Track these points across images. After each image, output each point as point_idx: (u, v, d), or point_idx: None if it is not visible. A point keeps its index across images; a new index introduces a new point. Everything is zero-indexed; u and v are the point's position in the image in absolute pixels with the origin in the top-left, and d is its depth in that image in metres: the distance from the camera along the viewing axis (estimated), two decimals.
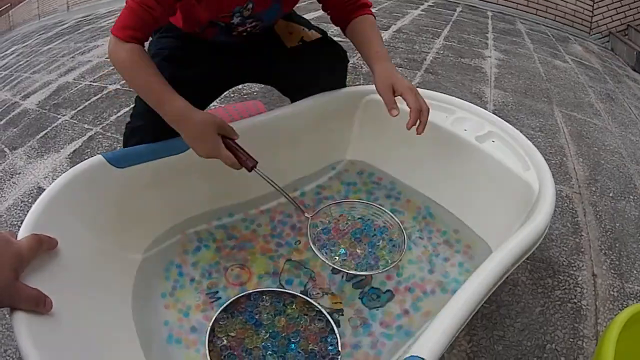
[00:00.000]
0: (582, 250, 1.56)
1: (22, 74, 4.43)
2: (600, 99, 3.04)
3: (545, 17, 6.05)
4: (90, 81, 3.12)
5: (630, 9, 5.90)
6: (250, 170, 1.12)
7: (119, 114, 2.40)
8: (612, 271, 1.50)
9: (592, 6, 5.98)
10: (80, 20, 7.54)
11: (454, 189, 1.36)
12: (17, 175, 2.01)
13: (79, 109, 2.61)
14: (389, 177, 1.53)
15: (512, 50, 3.79)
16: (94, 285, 0.98)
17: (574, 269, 1.47)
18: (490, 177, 1.23)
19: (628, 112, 3.00)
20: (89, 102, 2.68)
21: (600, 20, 5.98)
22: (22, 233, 0.85)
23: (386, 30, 3.81)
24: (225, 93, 1.87)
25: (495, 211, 1.23)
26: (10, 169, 2.10)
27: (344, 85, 1.52)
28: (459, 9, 5.55)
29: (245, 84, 2.46)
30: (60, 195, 0.99)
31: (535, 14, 6.08)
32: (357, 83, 2.63)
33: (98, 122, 2.35)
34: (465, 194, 1.33)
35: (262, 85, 2.32)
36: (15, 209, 1.78)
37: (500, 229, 1.16)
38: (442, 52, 3.31)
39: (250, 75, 1.55)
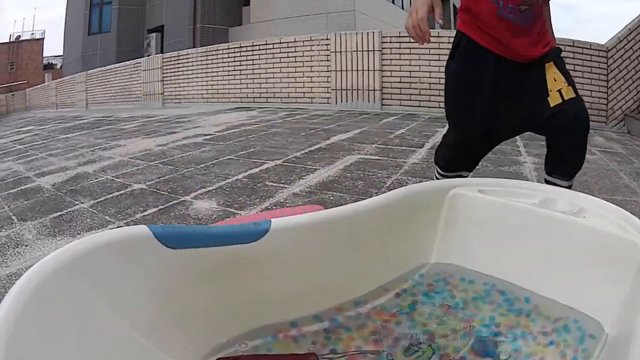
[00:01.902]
0: None
1: (37, 153, 4.31)
2: (632, 178, 3.08)
3: None
4: (113, 176, 2.95)
5: None
6: None
7: (145, 213, 2.18)
8: None
9: (607, 93, 6.07)
10: (101, 119, 7.58)
11: (560, 274, 1.21)
12: (24, 247, 1.82)
13: (99, 199, 2.41)
14: (484, 278, 1.32)
15: (543, 153, 3.71)
16: None
17: None
18: (595, 249, 1.12)
19: None
20: (111, 195, 2.48)
21: (615, 104, 6.06)
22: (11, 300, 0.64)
23: (421, 147, 3.81)
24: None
25: (603, 283, 1.11)
26: (16, 237, 1.92)
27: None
28: None
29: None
30: (86, 260, 0.75)
31: None
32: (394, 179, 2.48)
33: (122, 217, 2.12)
34: (572, 275, 1.19)
35: (318, 195, 2.17)
36: (17, 277, 1.52)
37: (610, 301, 1.05)
38: (480, 163, 3.24)
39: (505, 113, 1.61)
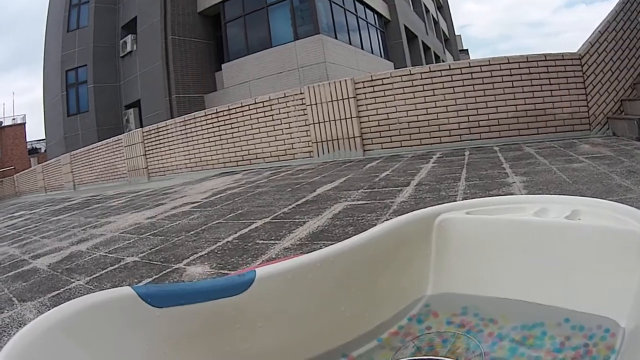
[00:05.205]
0: None
1: (31, 236, 4.37)
2: (625, 177, 3.07)
3: (547, 133, 6.21)
4: (106, 252, 3.00)
5: (619, 83, 6.02)
6: None
7: (140, 284, 2.23)
8: None
9: (587, 100, 6.09)
10: (90, 199, 7.63)
11: (565, 280, 1.17)
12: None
13: (94, 275, 2.45)
14: (487, 300, 1.25)
15: (530, 171, 3.80)
16: None
17: None
18: (596, 248, 1.11)
19: None
20: (106, 270, 2.53)
21: (597, 110, 6.07)
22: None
23: (407, 186, 3.88)
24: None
25: (611, 279, 1.09)
26: (18, 317, 1.96)
27: None
28: (467, 153, 5.73)
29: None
30: (69, 325, 0.76)
31: (537, 134, 6.26)
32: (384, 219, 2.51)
33: None
34: (578, 279, 1.16)
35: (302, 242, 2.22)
36: None
37: (621, 295, 1.03)
38: (468, 191, 3.28)
39: None
